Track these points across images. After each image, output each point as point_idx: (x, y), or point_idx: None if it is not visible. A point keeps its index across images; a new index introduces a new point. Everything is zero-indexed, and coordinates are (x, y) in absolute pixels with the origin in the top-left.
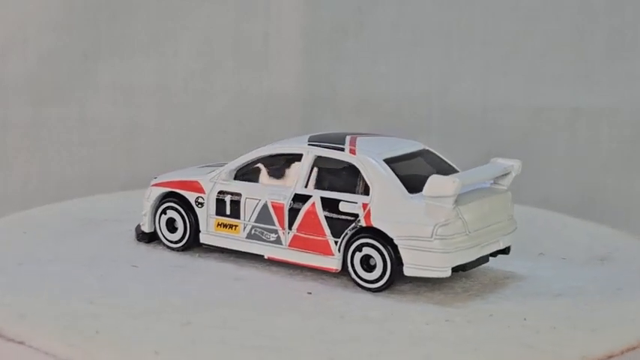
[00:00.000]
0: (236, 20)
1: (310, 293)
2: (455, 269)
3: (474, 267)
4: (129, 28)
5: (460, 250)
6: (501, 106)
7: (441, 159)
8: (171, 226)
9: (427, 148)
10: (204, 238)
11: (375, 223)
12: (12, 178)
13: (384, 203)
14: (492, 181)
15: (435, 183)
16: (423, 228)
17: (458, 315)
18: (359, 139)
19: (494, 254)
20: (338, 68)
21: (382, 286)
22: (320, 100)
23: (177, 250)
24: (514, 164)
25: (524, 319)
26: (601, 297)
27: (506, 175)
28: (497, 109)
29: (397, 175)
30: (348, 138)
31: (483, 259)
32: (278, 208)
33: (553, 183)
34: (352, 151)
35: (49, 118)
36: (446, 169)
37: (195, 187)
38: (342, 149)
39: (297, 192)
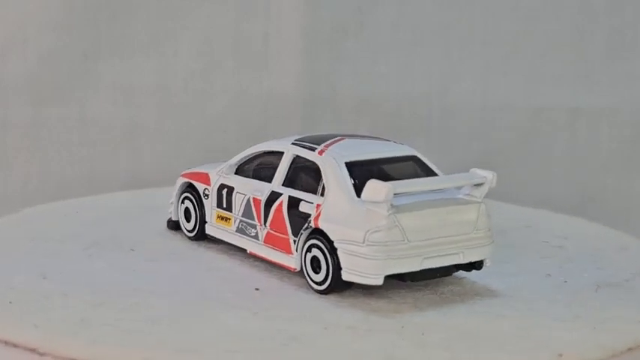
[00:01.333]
0: (236, 20)
1: (258, 289)
2: (408, 278)
3: (426, 278)
4: (129, 28)
5: (395, 258)
6: (501, 106)
7: (425, 166)
8: (189, 215)
9: (415, 154)
10: (208, 229)
11: (321, 225)
12: (12, 178)
13: (333, 206)
14: (467, 192)
15: (369, 187)
16: (357, 233)
17: (365, 323)
18: (342, 141)
19: (465, 268)
20: (338, 68)
21: (326, 289)
22: (320, 100)
23: (192, 240)
24: (487, 176)
25: (422, 334)
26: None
27: (479, 186)
28: (497, 109)
29: (355, 179)
30: (331, 139)
31: (440, 271)
32: (257, 204)
33: (553, 183)
34: (320, 152)
35: (49, 118)
36: (421, 176)
37: (204, 179)
38: (314, 149)
39: (274, 189)
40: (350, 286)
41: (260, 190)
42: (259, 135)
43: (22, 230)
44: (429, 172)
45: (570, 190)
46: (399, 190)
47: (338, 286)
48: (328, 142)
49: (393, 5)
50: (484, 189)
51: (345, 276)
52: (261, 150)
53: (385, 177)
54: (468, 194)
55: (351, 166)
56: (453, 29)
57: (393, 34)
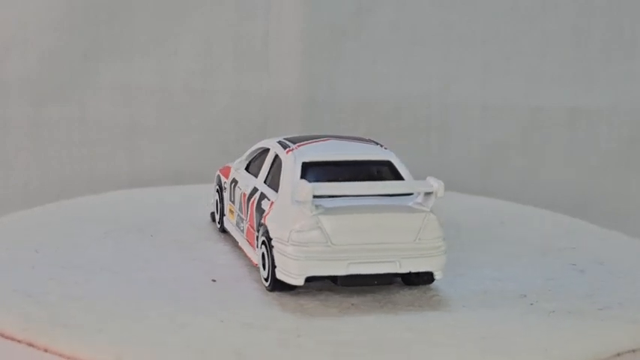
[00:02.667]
0: (236, 21)
1: (215, 281)
2: (340, 282)
3: (360, 284)
4: (129, 28)
5: (317, 260)
6: (501, 106)
7: (396, 171)
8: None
9: (389, 159)
10: (224, 221)
11: (267, 222)
12: (12, 178)
13: (280, 204)
14: (418, 200)
15: (295, 187)
16: (284, 232)
17: (261, 320)
18: (321, 141)
19: (416, 279)
20: (338, 69)
21: (269, 286)
22: (320, 101)
23: (220, 231)
24: (434, 185)
25: (298, 336)
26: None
27: (429, 195)
28: (497, 109)
29: (310, 179)
30: (312, 139)
31: (378, 279)
32: (244, 199)
33: (552, 183)
34: (289, 151)
35: (49, 118)
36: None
37: (227, 172)
38: (286, 148)
39: (255, 185)
40: (292, 286)
41: (248, 185)
42: (259, 135)
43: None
44: (397, 178)
45: (570, 189)
46: (320, 192)
47: (279, 283)
48: (306, 141)
49: (393, 5)
50: (432, 199)
51: (278, 274)
52: (261, 147)
53: (342, 179)
54: (417, 203)
55: (309, 167)
56: (453, 29)
57: (393, 34)
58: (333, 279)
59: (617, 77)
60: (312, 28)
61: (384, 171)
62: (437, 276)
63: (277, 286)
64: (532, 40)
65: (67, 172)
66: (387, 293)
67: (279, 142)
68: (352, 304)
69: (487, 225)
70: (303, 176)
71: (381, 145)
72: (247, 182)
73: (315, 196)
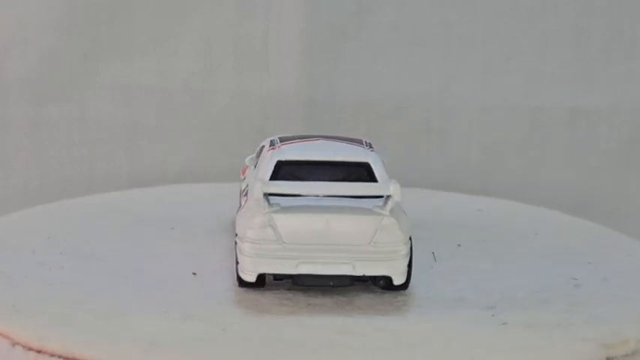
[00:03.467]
0: (236, 21)
1: (195, 274)
2: (295, 281)
3: (315, 285)
4: (129, 28)
5: (267, 257)
6: (501, 106)
7: (372, 174)
8: None
9: (368, 161)
10: None
11: (236, 218)
12: (12, 178)
13: (250, 201)
14: (379, 203)
15: (252, 185)
16: (241, 229)
17: (229, 319)
18: (308, 141)
19: (390, 284)
20: (338, 69)
21: (238, 281)
22: (320, 101)
23: None
24: (391, 187)
25: (223, 330)
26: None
27: (387, 199)
28: (497, 109)
29: (281, 177)
30: (300, 139)
31: (334, 280)
32: (241, 196)
33: (552, 183)
34: (270, 149)
35: (49, 118)
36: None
37: (245, 170)
38: (272, 146)
39: (248, 182)
40: (261, 283)
41: (246, 181)
42: (259, 135)
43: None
44: (371, 180)
45: (570, 189)
46: (271, 190)
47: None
48: (294, 140)
49: (393, 6)
50: (390, 203)
51: (238, 270)
52: (263, 144)
53: (314, 179)
54: (377, 206)
55: (284, 165)
56: (453, 29)
57: (393, 34)
58: (289, 278)
59: (617, 77)
60: (312, 28)
61: (360, 172)
62: (396, 281)
63: (246, 282)
64: (532, 40)
65: (67, 172)
66: (354, 296)
67: (271, 140)
68: (309, 304)
69: (500, 230)
70: (276, 174)
71: (371, 147)
72: (247, 178)
73: (274, 195)
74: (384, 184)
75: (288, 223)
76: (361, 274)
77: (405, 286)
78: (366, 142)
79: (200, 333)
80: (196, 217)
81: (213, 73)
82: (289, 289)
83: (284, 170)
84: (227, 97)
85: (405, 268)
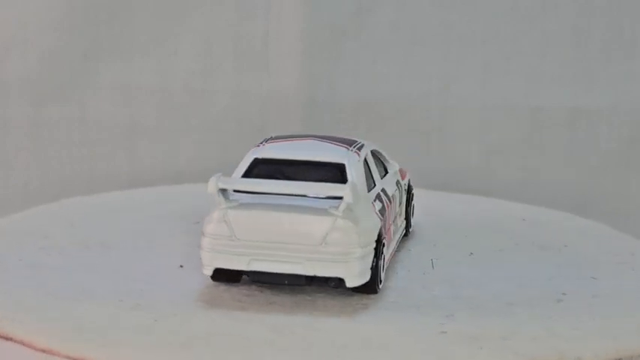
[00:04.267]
0: (236, 20)
1: (182, 266)
2: (251, 278)
3: (270, 282)
4: (129, 28)
5: (221, 252)
6: (501, 106)
7: (344, 175)
8: None
9: (344, 162)
10: None
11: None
12: (12, 178)
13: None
14: (334, 204)
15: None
16: (203, 224)
17: (169, 311)
18: (295, 140)
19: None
20: (338, 69)
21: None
22: (320, 101)
23: None
24: (344, 190)
25: (155, 320)
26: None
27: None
28: (497, 109)
29: (256, 175)
30: (288, 138)
31: (288, 278)
32: None
33: (552, 183)
34: (255, 147)
35: (49, 118)
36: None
37: None
38: (259, 144)
39: None
40: (237, 279)
41: None
42: (259, 135)
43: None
44: (343, 181)
45: (570, 189)
46: (224, 186)
47: (223, 274)
48: (282, 139)
49: (393, 6)
50: (342, 204)
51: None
52: None
53: (287, 177)
54: (333, 207)
55: (261, 163)
56: (453, 29)
57: (393, 34)
58: (246, 274)
59: (617, 77)
60: (312, 28)
61: (333, 173)
62: (348, 283)
63: (219, 277)
64: (532, 40)
65: (67, 172)
66: (322, 297)
67: (265, 138)
68: (270, 303)
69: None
70: (251, 171)
71: (359, 149)
72: None
73: (237, 191)
74: (338, 186)
75: (242, 219)
76: (312, 274)
77: (372, 289)
78: (358, 143)
79: (132, 322)
80: (195, 215)
81: (213, 73)
82: (259, 287)
83: (260, 168)
84: (227, 97)
85: (361, 271)
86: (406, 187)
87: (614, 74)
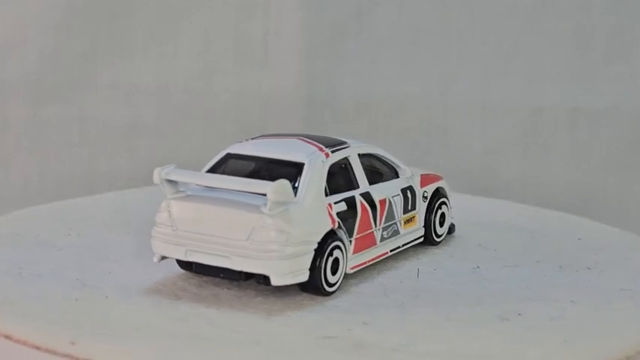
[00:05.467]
0: (236, 20)
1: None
2: (193, 269)
3: (209, 274)
4: (129, 28)
5: (164, 242)
6: (501, 106)
7: (300, 174)
8: None
9: (302, 162)
10: None
11: None
12: (12, 178)
13: None
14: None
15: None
16: None
17: (99, 297)
18: (279, 138)
19: (263, 280)
20: (338, 68)
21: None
22: (320, 100)
23: None
24: (267, 187)
25: (76, 300)
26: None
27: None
28: (497, 109)
29: (223, 168)
30: (274, 136)
31: (223, 272)
32: None
33: (552, 183)
34: (237, 143)
35: (48, 117)
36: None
37: None
38: (240, 141)
39: None
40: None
41: None
42: (259, 134)
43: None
44: (296, 180)
45: (570, 189)
46: (168, 177)
47: (190, 265)
48: (264, 137)
49: (393, 5)
50: (269, 202)
51: None
52: None
53: (248, 173)
54: (264, 204)
55: (232, 158)
56: (453, 29)
57: (393, 34)
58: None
59: (618, 78)
60: (312, 27)
61: (291, 171)
62: (273, 281)
63: (189, 267)
64: (532, 40)
65: (66, 171)
66: (258, 294)
67: (254, 136)
68: (212, 294)
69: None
70: (220, 165)
71: (331, 151)
72: None
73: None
74: (264, 183)
75: (181, 210)
76: (239, 269)
77: (317, 290)
78: (340, 145)
79: (53, 300)
80: None
81: (213, 72)
82: (208, 280)
83: (229, 162)
84: (227, 96)
85: (290, 271)
86: (426, 195)
87: (615, 74)
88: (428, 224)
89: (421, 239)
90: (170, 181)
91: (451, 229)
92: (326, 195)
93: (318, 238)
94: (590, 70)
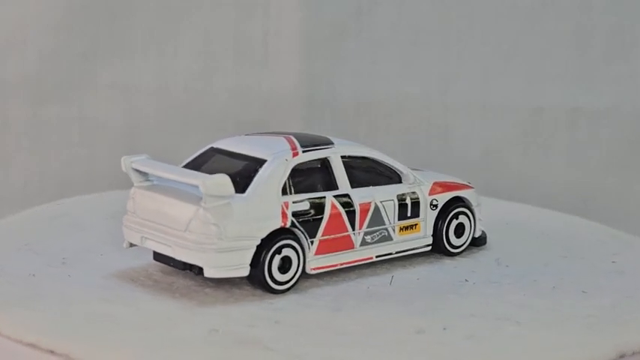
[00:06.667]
0: (236, 20)
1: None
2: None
3: (163, 262)
4: (129, 28)
5: (128, 228)
6: (501, 106)
7: (257, 171)
8: None
9: (265, 159)
10: None
11: None
12: (12, 178)
13: None
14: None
15: None
16: None
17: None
18: (268, 135)
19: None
20: (338, 68)
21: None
22: (320, 100)
23: None
24: (199, 179)
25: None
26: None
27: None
28: (497, 109)
29: (196, 161)
30: (264, 134)
31: (173, 261)
32: None
33: (552, 183)
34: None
35: (48, 118)
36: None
37: None
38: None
39: None
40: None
41: None
42: None
43: None
44: (251, 176)
45: (570, 190)
46: (132, 165)
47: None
48: (255, 134)
49: (393, 5)
50: (204, 195)
51: None
52: None
53: (221, 166)
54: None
55: (215, 152)
56: (453, 29)
57: (393, 34)
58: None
59: (618, 77)
60: (311, 27)
61: (254, 167)
62: (206, 273)
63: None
64: (532, 40)
65: (66, 172)
66: (222, 287)
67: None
68: (171, 284)
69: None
70: (200, 158)
71: (303, 151)
72: None
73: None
74: (198, 176)
75: (141, 198)
76: (179, 259)
77: (264, 286)
78: (320, 145)
79: (16, 290)
80: None
81: (213, 72)
82: (174, 271)
83: (210, 156)
84: (227, 96)
85: (225, 264)
86: (435, 203)
87: (615, 74)
88: (439, 234)
89: (428, 248)
90: (136, 170)
91: (479, 241)
92: (288, 193)
93: (262, 235)
94: (590, 70)
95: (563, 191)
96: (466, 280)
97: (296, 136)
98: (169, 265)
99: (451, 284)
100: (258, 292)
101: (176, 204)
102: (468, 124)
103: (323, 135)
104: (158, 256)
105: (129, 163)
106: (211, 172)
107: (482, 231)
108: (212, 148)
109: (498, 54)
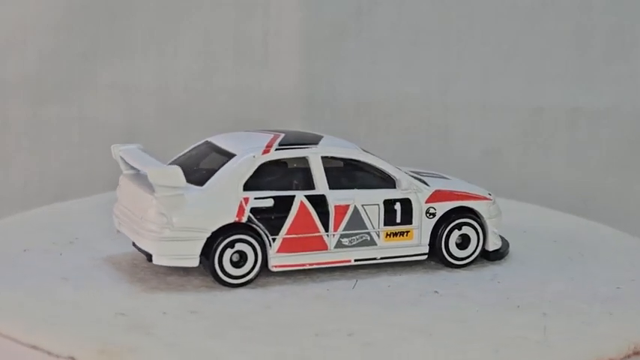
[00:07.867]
0: (236, 20)
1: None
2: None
3: (140, 251)
4: (129, 28)
5: (115, 215)
6: (501, 106)
7: (222, 167)
8: None
9: (234, 153)
10: None
11: None
12: (12, 178)
13: None
14: None
15: None
16: None
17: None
18: (262, 133)
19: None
20: (338, 68)
21: None
22: (320, 100)
23: None
24: (147, 170)
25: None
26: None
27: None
28: (497, 109)
29: (189, 153)
30: (260, 131)
31: (142, 251)
32: None
33: (552, 183)
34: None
35: (48, 118)
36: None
37: None
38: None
39: None
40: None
41: None
42: None
43: None
44: (215, 170)
45: (570, 190)
46: (121, 155)
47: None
48: (256, 131)
49: (393, 5)
50: (155, 185)
51: None
52: None
53: (206, 160)
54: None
55: (205, 145)
56: (453, 29)
57: (393, 34)
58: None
59: (618, 77)
60: (311, 27)
61: (222, 161)
62: (154, 260)
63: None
64: (532, 40)
65: (66, 172)
66: (195, 277)
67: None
68: (150, 266)
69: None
70: (194, 150)
71: (277, 150)
72: None
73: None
74: (150, 165)
75: (122, 186)
76: (138, 245)
77: (218, 279)
78: (303, 144)
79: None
80: None
81: (213, 72)
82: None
83: (202, 149)
84: (227, 96)
85: (172, 253)
86: (432, 212)
87: (615, 74)
88: (438, 244)
89: (423, 257)
90: (122, 159)
91: (493, 255)
92: (250, 189)
93: (213, 228)
94: (590, 70)
95: (563, 191)
96: (435, 292)
97: (287, 133)
98: (141, 252)
99: (418, 294)
100: (217, 286)
101: (140, 193)
102: (468, 124)
103: (321, 134)
104: (134, 244)
105: (117, 151)
106: (192, 164)
107: (504, 245)
108: (206, 141)
109: (498, 54)
